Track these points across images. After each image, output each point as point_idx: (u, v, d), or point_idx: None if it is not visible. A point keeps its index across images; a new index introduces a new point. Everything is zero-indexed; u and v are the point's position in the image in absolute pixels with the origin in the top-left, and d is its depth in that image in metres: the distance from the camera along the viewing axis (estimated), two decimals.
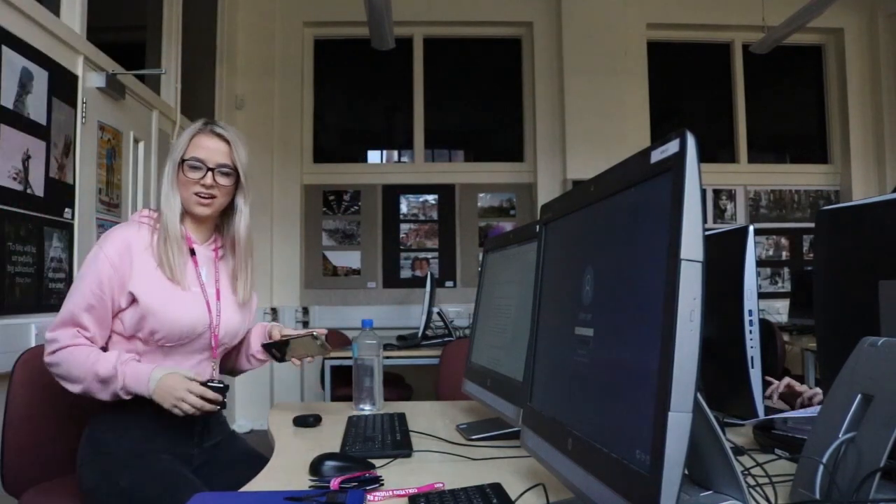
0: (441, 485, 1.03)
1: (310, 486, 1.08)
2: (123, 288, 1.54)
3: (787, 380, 1.51)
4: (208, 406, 1.50)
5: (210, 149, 1.64)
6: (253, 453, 1.72)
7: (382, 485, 1.07)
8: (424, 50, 5.47)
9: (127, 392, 1.50)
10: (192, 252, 1.66)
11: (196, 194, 1.62)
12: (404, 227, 5.40)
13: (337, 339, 4.15)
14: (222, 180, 1.64)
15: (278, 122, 5.18)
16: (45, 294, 2.47)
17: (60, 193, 2.61)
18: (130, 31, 4.21)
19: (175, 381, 1.50)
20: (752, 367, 1.27)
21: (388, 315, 4.98)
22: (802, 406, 1.43)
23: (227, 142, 1.66)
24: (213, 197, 1.63)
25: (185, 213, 1.66)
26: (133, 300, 1.54)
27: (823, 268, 1.24)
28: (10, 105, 2.28)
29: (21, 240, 2.32)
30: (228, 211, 1.71)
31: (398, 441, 1.35)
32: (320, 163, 5.47)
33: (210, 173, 1.62)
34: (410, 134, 5.47)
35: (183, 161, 1.62)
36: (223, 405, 1.55)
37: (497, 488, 0.98)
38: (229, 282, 1.71)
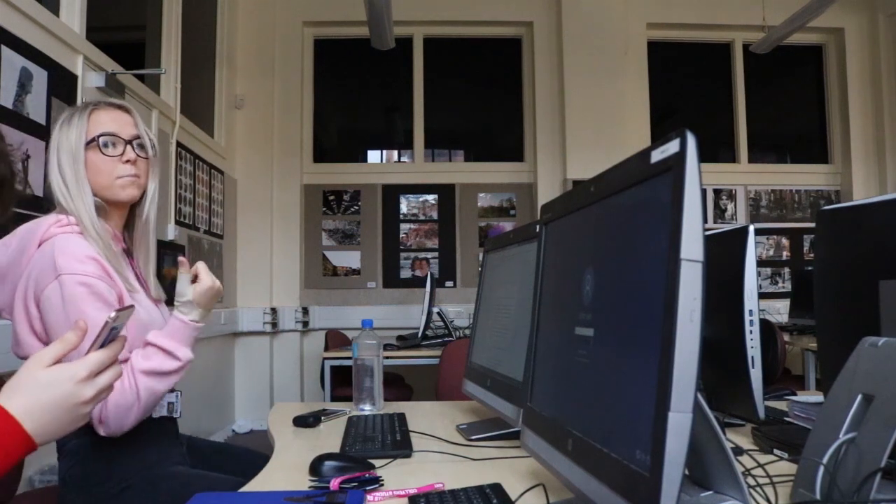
0: (441, 485, 1.03)
1: (310, 487, 1.08)
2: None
3: None
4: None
5: (118, 121, 1.41)
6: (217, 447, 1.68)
7: (382, 485, 1.07)
8: (424, 50, 5.47)
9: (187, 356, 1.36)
10: (129, 253, 1.48)
11: (119, 177, 1.39)
12: (404, 227, 5.40)
13: (337, 339, 4.16)
14: (141, 153, 1.43)
15: (278, 122, 5.18)
16: None
17: None
18: (130, 30, 4.20)
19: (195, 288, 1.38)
20: (753, 367, 1.27)
21: (388, 315, 4.98)
22: None
23: (128, 111, 1.45)
24: (136, 176, 1.41)
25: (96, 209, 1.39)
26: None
27: (824, 268, 1.24)
28: (9, 105, 2.28)
29: None
30: None
31: (398, 441, 1.35)
32: (320, 163, 5.47)
33: (129, 147, 1.40)
34: (410, 134, 5.47)
35: (92, 141, 1.38)
36: None
37: (497, 488, 0.98)
38: (144, 279, 1.52)
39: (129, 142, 1.42)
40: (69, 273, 1.27)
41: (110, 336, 0.89)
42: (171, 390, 1.43)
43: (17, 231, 1.37)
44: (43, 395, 0.82)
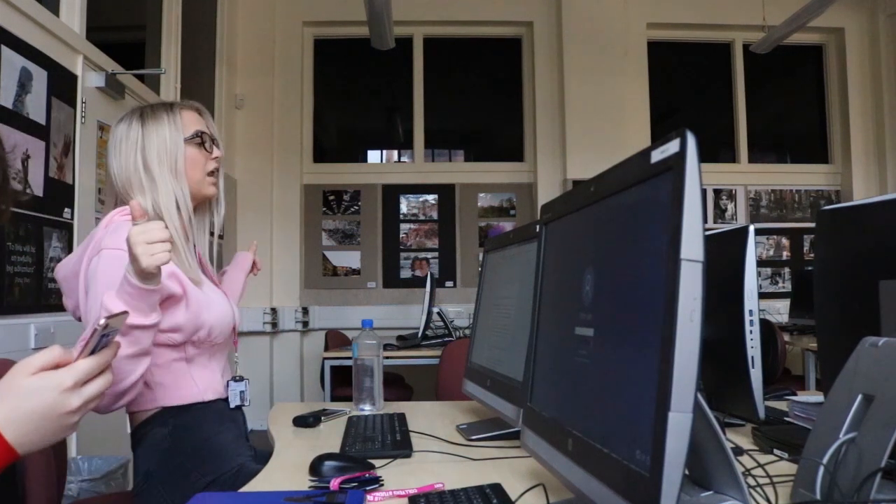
0: (441, 485, 1.03)
1: (310, 487, 1.08)
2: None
3: None
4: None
5: (200, 121, 1.52)
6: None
7: (382, 485, 1.07)
8: (424, 50, 5.47)
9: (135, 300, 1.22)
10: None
11: (209, 172, 1.49)
12: (404, 227, 5.40)
13: (337, 339, 4.16)
14: (219, 151, 1.54)
15: (278, 122, 5.18)
16: (45, 294, 2.47)
17: (60, 193, 2.61)
18: (130, 30, 4.21)
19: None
20: (753, 367, 1.27)
21: (388, 315, 4.97)
22: None
23: (204, 113, 1.55)
24: (217, 171, 1.52)
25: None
26: (179, 300, 1.39)
27: (824, 268, 1.24)
28: (9, 105, 2.28)
29: (20, 240, 2.32)
30: None
31: (398, 441, 1.35)
32: (320, 163, 5.47)
33: (215, 145, 1.51)
34: (410, 134, 5.47)
35: (194, 137, 1.48)
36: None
37: (497, 488, 0.98)
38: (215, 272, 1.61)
39: (214, 140, 1.52)
40: (111, 248, 1.30)
41: (102, 343, 0.85)
42: (240, 378, 1.48)
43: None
44: (25, 403, 0.78)
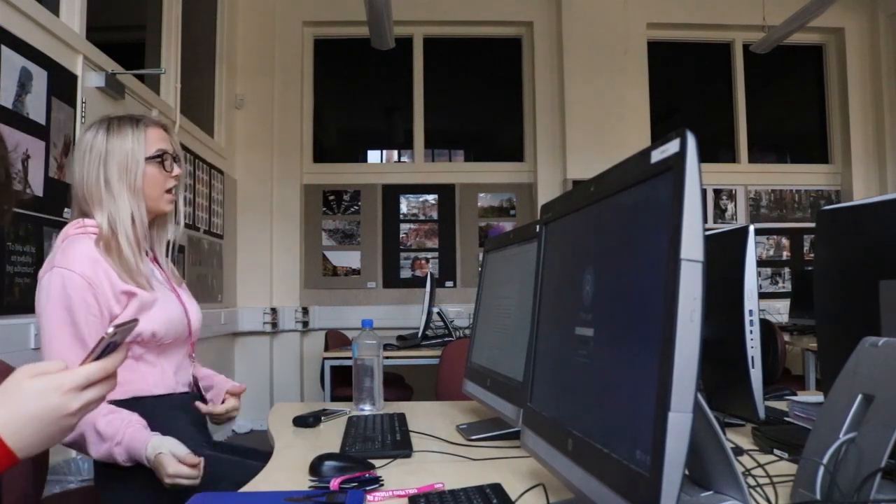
0: (441, 485, 1.03)
1: (310, 487, 1.08)
2: (114, 290, 1.43)
3: None
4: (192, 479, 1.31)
5: (167, 139, 1.57)
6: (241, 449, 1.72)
7: (382, 485, 1.07)
8: (424, 50, 5.47)
9: (126, 454, 1.35)
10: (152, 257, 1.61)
11: (167, 190, 1.55)
12: (404, 227, 5.40)
13: (337, 339, 4.16)
14: (178, 170, 1.59)
15: (278, 122, 5.18)
16: None
17: (60, 193, 2.61)
18: (130, 30, 4.20)
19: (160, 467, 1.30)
20: (753, 367, 1.27)
21: (388, 315, 4.97)
22: None
23: (169, 129, 1.60)
24: (175, 188, 1.58)
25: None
26: (128, 301, 1.46)
27: (824, 268, 1.24)
28: (9, 105, 2.28)
29: (20, 240, 2.32)
30: None
31: (398, 441, 1.35)
32: (320, 163, 5.47)
33: (175, 163, 1.57)
34: (410, 134, 5.47)
35: (154, 157, 1.53)
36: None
37: (497, 489, 0.98)
38: (173, 277, 1.65)
39: (174, 158, 1.57)
40: (62, 267, 1.39)
41: (109, 350, 0.85)
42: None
43: None
44: (26, 406, 0.78)
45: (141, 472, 1.36)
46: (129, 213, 1.48)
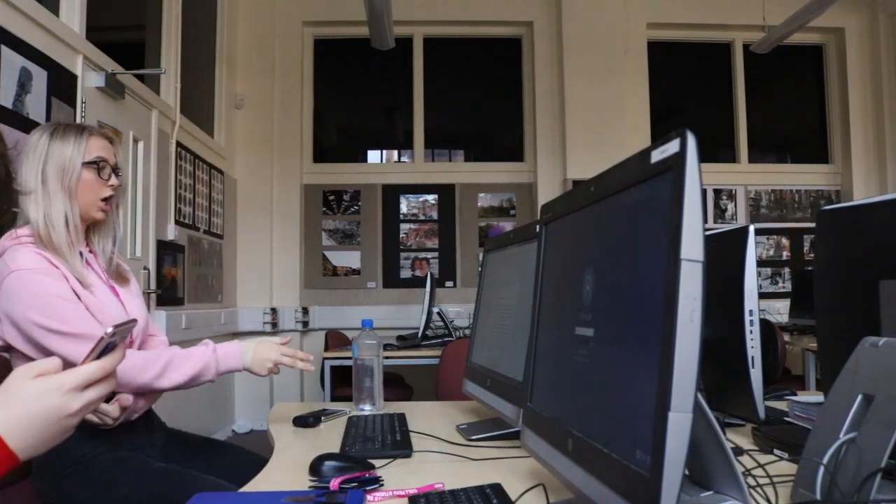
0: (441, 485, 1.03)
1: (310, 487, 1.08)
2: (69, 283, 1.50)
3: None
4: (300, 364, 1.64)
5: (108, 149, 1.61)
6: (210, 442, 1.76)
7: (382, 485, 1.07)
8: (424, 50, 5.47)
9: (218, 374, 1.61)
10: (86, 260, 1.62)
11: (102, 198, 1.58)
12: (404, 227, 5.40)
13: (337, 339, 4.16)
14: (120, 180, 1.63)
15: (278, 122, 5.18)
16: None
17: None
18: (130, 30, 4.21)
19: (268, 350, 1.62)
20: (753, 367, 1.27)
21: (388, 315, 4.98)
22: None
23: (114, 141, 1.65)
24: (113, 197, 1.62)
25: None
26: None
27: (824, 268, 1.24)
28: (9, 104, 2.28)
29: None
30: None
31: (398, 441, 1.35)
32: (320, 163, 5.47)
33: (113, 174, 1.61)
34: (410, 134, 5.47)
35: (92, 163, 1.56)
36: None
37: (497, 489, 0.98)
38: (112, 277, 1.67)
39: (114, 169, 1.61)
40: (21, 269, 1.44)
41: (107, 349, 0.86)
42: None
43: None
44: (26, 407, 0.78)
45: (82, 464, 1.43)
46: (62, 213, 1.52)
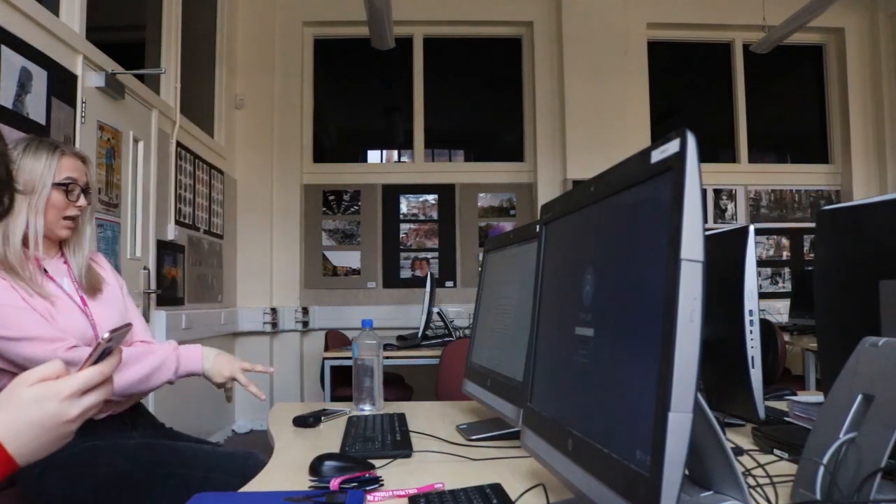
0: (441, 485, 1.03)
1: (310, 487, 1.08)
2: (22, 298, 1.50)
3: None
4: (253, 389, 1.69)
5: (79, 169, 1.61)
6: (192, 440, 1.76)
7: (382, 485, 1.07)
8: (424, 50, 5.47)
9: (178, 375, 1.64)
10: (45, 270, 1.61)
11: (66, 217, 1.58)
12: (404, 227, 5.40)
13: (337, 339, 4.16)
14: (88, 200, 1.64)
15: (278, 122, 5.18)
16: None
17: None
18: (130, 30, 4.21)
19: (228, 362, 1.71)
20: (753, 367, 1.27)
21: (388, 315, 4.97)
22: None
23: (87, 162, 1.65)
24: (78, 217, 1.62)
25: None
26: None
27: (824, 268, 1.24)
28: (9, 104, 2.28)
29: None
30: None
31: (398, 441, 1.35)
32: (320, 163, 5.47)
33: (82, 194, 1.61)
34: (410, 134, 5.47)
35: (62, 184, 1.56)
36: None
37: (497, 489, 0.98)
38: (87, 285, 1.67)
39: (83, 189, 1.61)
40: None
41: (104, 355, 0.87)
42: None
43: None
44: (26, 413, 0.78)
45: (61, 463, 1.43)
46: (22, 228, 1.51)
